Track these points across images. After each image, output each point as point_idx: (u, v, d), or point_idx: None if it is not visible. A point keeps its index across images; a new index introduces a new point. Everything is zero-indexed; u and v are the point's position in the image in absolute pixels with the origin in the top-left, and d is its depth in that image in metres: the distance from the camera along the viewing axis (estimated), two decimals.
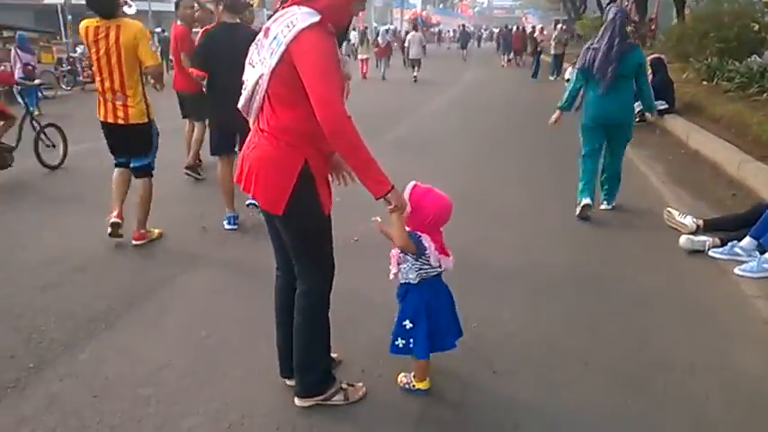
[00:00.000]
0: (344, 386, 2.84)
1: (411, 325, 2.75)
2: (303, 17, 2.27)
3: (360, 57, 22.38)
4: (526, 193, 6.39)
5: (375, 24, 32.82)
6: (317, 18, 2.28)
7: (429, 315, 2.74)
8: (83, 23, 4.59)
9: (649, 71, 10.63)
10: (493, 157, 8.31)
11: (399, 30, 25.33)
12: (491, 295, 3.91)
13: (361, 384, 2.90)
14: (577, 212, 5.48)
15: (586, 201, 5.46)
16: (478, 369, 3.09)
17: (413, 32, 22.99)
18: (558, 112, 5.74)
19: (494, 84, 20.36)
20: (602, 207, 5.77)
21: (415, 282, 2.72)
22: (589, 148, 5.63)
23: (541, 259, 4.55)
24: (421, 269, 2.69)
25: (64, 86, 18.61)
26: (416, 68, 20.77)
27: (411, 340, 2.75)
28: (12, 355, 3.29)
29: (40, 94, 14.12)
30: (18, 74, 13.36)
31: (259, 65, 2.39)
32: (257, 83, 2.40)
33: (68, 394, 2.92)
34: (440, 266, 2.71)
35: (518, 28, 30.58)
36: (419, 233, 2.63)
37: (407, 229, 2.62)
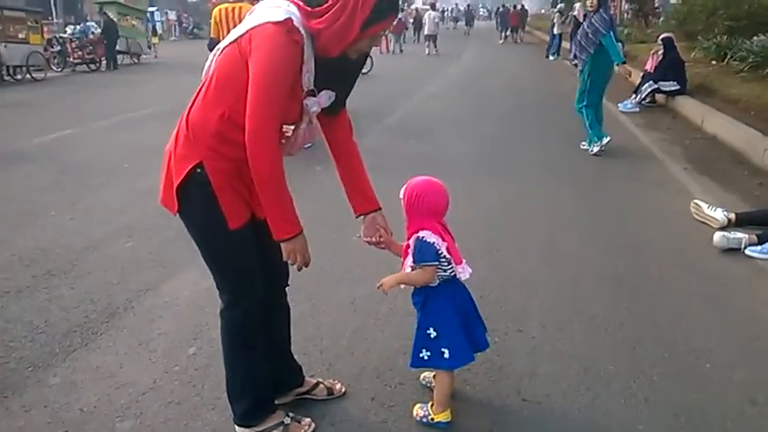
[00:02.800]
0: (287, 421, 2.44)
1: (435, 333, 2.38)
2: (281, 12, 1.93)
3: None
4: (542, 169, 5.99)
5: None
6: (288, 17, 1.92)
7: (458, 314, 2.41)
8: (217, 8, 6.48)
9: (661, 50, 10.26)
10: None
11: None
12: (514, 304, 3.52)
13: (308, 420, 2.49)
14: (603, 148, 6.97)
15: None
16: (505, 395, 2.70)
17: (430, 11, 24.93)
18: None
19: (496, 56, 22.42)
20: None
21: (434, 285, 2.36)
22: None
23: (567, 261, 4.15)
24: (440, 269, 2.33)
25: (54, 68, 18.10)
26: (432, 43, 22.97)
27: (444, 351, 2.38)
28: None
29: None
30: None
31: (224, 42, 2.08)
32: (211, 60, 2.11)
33: (35, 430, 2.53)
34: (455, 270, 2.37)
35: (515, 7, 30.60)
36: (421, 235, 2.28)
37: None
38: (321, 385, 2.70)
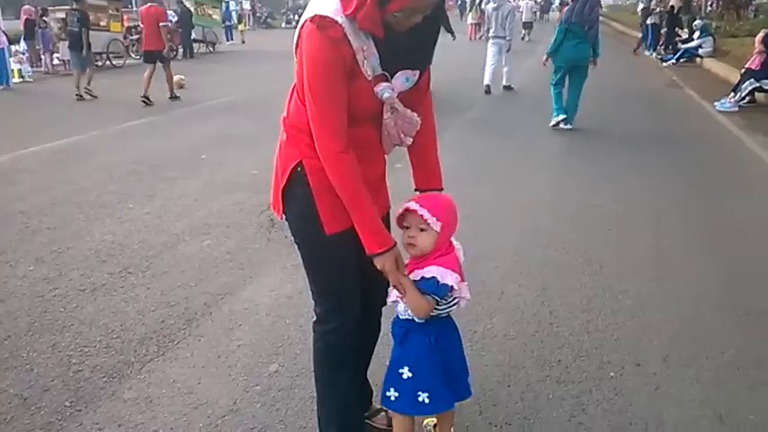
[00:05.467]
0: None
1: (410, 374, 2.01)
2: (324, 4, 1.72)
3: (469, 22, 25.13)
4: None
5: None
6: (316, 13, 1.71)
7: (441, 355, 2.03)
8: None
9: (763, 48, 9.51)
10: None
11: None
12: (628, 332, 3.13)
13: None
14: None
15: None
16: None
17: (527, 0, 25.75)
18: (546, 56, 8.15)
19: None
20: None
21: (420, 321, 1.99)
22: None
23: (684, 284, 3.72)
24: (438, 307, 1.95)
25: (132, 55, 18.50)
26: (528, 31, 24.21)
27: (421, 395, 2.00)
28: (46, 387, 2.73)
29: None
30: None
31: None
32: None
33: None
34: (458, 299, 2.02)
35: None
36: (436, 274, 1.88)
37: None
38: (383, 413, 2.41)
